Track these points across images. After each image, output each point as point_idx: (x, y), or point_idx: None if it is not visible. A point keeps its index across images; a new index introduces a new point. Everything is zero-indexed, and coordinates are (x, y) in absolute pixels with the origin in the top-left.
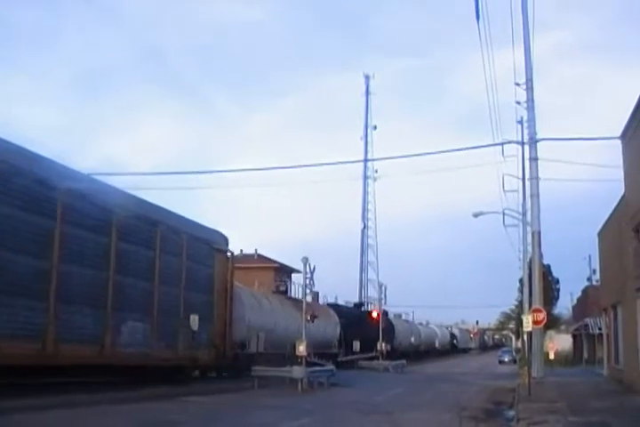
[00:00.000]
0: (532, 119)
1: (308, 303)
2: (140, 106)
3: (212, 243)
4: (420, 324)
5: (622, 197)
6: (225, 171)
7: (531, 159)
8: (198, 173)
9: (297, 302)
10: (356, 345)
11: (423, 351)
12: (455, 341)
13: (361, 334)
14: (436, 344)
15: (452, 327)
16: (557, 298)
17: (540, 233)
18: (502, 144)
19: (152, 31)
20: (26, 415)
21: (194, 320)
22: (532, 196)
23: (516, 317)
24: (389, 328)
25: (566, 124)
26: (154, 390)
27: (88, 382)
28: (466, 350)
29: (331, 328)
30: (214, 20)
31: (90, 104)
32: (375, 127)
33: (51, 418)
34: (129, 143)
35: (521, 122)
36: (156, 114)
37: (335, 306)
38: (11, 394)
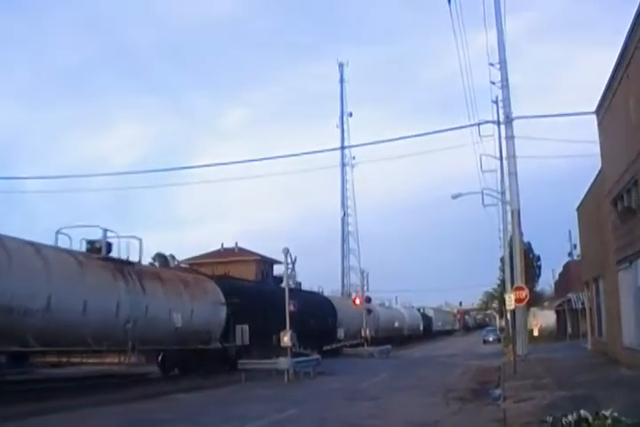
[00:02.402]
0: (506, 98)
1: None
2: (112, 103)
3: None
4: (381, 305)
5: (599, 172)
6: (203, 166)
7: (507, 138)
8: (175, 169)
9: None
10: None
11: (383, 338)
12: (428, 323)
13: (265, 319)
14: (404, 329)
15: (424, 309)
16: (539, 275)
17: (519, 211)
18: (479, 124)
19: (121, 27)
20: (7, 424)
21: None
22: (510, 174)
23: (498, 296)
24: (330, 312)
25: (541, 104)
26: (140, 391)
27: (69, 387)
28: (450, 332)
29: (207, 312)
30: (184, 14)
31: (61, 102)
32: (351, 114)
33: (34, 425)
34: (103, 141)
35: (496, 102)
36: (129, 111)
37: (222, 280)
38: None
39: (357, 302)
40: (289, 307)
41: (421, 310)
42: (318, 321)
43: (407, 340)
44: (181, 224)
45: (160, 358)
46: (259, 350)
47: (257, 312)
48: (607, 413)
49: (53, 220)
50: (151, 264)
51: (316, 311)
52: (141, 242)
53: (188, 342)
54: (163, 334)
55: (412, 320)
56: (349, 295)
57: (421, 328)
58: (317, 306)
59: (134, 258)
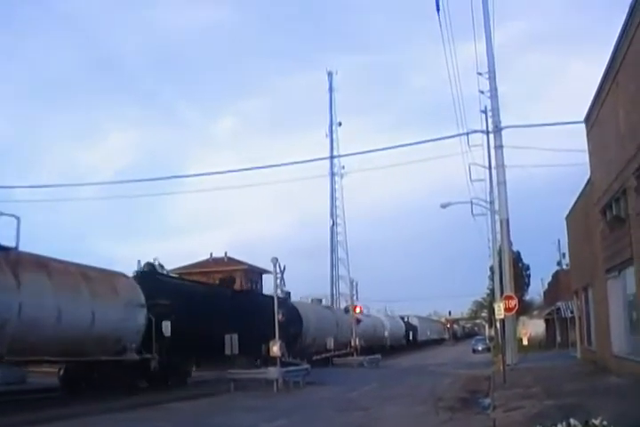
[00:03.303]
0: (495, 108)
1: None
2: (99, 114)
3: None
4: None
5: (588, 181)
6: (192, 175)
7: (496, 147)
8: (162, 178)
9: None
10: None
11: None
12: (413, 333)
13: (210, 325)
14: (385, 339)
15: (408, 317)
16: (528, 284)
17: (508, 221)
18: (467, 134)
19: (106, 37)
20: None
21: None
22: (499, 184)
23: (487, 305)
24: (293, 318)
25: (530, 113)
26: (134, 400)
27: (63, 396)
28: (437, 342)
29: (117, 315)
30: (170, 24)
31: (47, 113)
32: (340, 124)
33: None
34: (90, 152)
35: (485, 111)
36: (115, 122)
37: (146, 277)
38: None
39: (357, 310)
40: (278, 316)
41: (405, 319)
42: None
43: (390, 351)
44: (171, 234)
45: (62, 371)
46: (206, 360)
47: (198, 317)
48: (597, 422)
49: (45, 228)
50: None
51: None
52: (19, 221)
53: (88, 352)
54: (47, 340)
55: (394, 329)
56: (329, 304)
57: (405, 338)
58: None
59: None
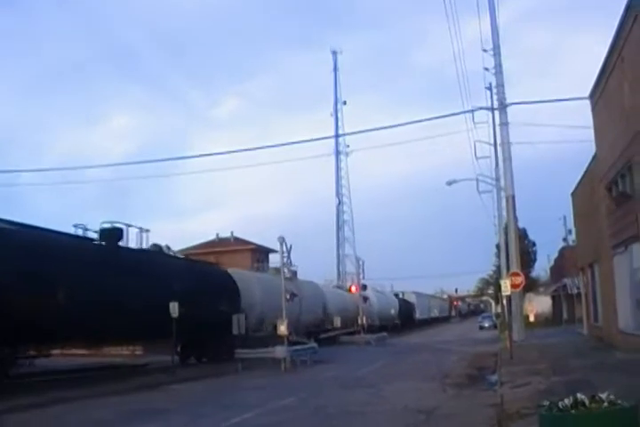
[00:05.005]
0: (500, 84)
1: None
2: (105, 95)
3: None
4: (340, 287)
5: (594, 157)
6: (198, 156)
7: (501, 124)
8: (169, 159)
9: None
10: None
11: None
12: (409, 310)
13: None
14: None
15: (403, 293)
16: (534, 261)
17: (514, 197)
18: (472, 111)
19: (112, 19)
20: (10, 416)
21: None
22: (504, 160)
23: (494, 282)
24: (227, 294)
25: (535, 90)
26: (139, 381)
27: (65, 378)
28: (439, 320)
29: None
30: (174, 5)
31: (55, 96)
32: (345, 103)
33: (37, 416)
34: (98, 133)
35: (490, 88)
36: (122, 103)
37: None
38: None
39: (353, 289)
40: (285, 296)
41: (400, 295)
42: (201, 303)
43: (379, 331)
44: (178, 214)
45: None
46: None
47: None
48: (604, 396)
49: (49, 210)
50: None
51: (194, 291)
52: None
53: None
54: None
55: (383, 307)
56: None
57: (398, 316)
58: (202, 284)
59: None
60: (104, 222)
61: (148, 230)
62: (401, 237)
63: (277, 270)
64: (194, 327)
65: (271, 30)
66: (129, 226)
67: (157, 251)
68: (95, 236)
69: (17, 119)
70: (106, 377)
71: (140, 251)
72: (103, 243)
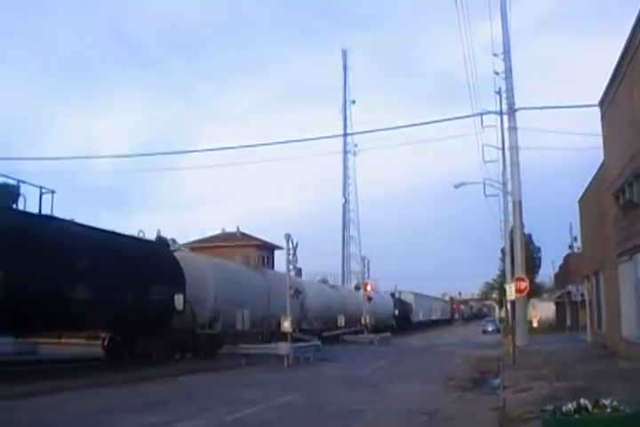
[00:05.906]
0: (510, 89)
1: None
2: (112, 88)
3: None
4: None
5: (602, 164)
6: (205, 150)
7: (510, 129)
8: (176, 153)
9: None
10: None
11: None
12: (406, 312)
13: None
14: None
15: (400, 293)
16: (539, 266)
17: (520, 202)
18: (481, 114)
19: (117, 10)
20: (10, 403)
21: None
22: (512, 165)
23: (498, 286)
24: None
25: (545, 96)
26: (142, 373)
27: (70, 367)
28: (439, 323)
29: None
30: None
31: (59, 87)
32: (354, 102)
33: (42, 403)
34: (104, 126)
35: (499, 92)
36: (129, 96)
37: None
38: None
39: (369, 288)
40: (289, 291)
41: (397, 295)
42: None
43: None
44: (184, 208)
45: None
46: None
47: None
48: (607, 402)
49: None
50: None
51: (126, 270)
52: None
53: None
54: None
55: (377, 307)
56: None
57: (393, 317)
58: (132, 261)
59: None
60: None
61: (53, 191)
62: (406, 239)
63: (246, 259)
64: (112, 317)
65: (280, 27)
66: (22, 182)
67: (58, 218)
68: None
69: (28, 109)
70: (107, 367)
71: (34, 215)
72: None
